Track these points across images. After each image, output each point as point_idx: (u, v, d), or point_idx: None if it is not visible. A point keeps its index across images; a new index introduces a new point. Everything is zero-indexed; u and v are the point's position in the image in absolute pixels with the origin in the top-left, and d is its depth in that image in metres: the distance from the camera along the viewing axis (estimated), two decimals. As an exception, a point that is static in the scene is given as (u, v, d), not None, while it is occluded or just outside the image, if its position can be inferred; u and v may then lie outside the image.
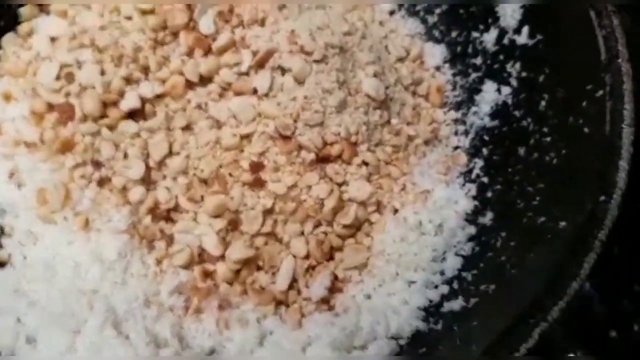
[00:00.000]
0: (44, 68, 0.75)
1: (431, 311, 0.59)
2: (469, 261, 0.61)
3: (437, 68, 0.73)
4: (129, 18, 0.74)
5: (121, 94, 0.72)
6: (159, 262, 0.69)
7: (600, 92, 0.52)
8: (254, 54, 0.74)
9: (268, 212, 0.71)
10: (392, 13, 0.78)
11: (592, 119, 0.53)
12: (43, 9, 0.84)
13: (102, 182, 0.69)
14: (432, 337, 0.56)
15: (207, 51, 0.75)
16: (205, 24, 0.75)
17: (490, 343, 0.45)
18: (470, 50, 0.76)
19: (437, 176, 0.65)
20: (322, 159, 0.64)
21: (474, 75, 0.73)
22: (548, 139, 0.64)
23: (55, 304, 0.53)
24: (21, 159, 0.67)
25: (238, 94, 0.74)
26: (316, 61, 0.72)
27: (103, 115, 0.72)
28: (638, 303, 0.68)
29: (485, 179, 0.66)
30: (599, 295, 0.65)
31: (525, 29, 0.65)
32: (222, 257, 0.70)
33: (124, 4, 0.74)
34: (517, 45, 0.78)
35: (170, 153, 0.72)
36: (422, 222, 0.61)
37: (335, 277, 0.60)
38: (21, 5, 0.85)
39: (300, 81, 0.72)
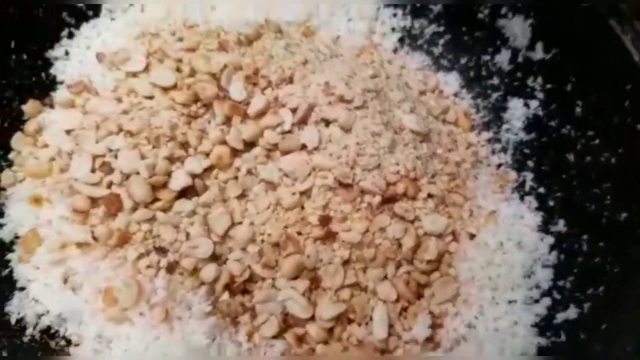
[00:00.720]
0: (76, 163, 0.85)
1: (544, 325, 0.65)
2: (560, 270, 0.70)
3: (456, 94, 0.84)
4: (150, 97, 0.86)
5: (168, 174, 0.82)
6: (249, 337, 0.78)
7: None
8: (294, 111, 0.85)
9: (346, 262, 0.81)
10: (395, 51, 0.88)
11: None
12: (45, 103, 0.95)
13: (171, 268, 0.81)
14: (560, 350, 0.63)
15: (244, 116, 0.86)
16: (237, 91, 0.87)
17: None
18: (484, 72, 0.89)
19: (496, 196, 0.73)
20: (388, 200, 0.86)
21: (495, 95, 0.87)
22: (596, 141, 0.86)
23: None
24: (74, 262, 0.65)
25: (286, 152, 0.85)
26: (357, 107, 0.86)
27: (154, 200, 0.81)
28: None
29: (541, 190, 0.78)
30: None
31: (539, 45, 0.76)
32: (311, 319, 0.78)
33: (138, 85, 0.86)
34: (534, 61, 0.96)
35: (233, 224, 0.81)
36: (502, 242, 0.68)
37: (431, 314, 0.65)
38: (22, 103, 0.92)
39: (347, 129, 0.86)
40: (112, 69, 0.90)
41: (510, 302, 0.79)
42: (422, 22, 1.04)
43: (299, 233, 0.80)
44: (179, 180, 0.80)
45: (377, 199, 0.81)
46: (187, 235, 0.78)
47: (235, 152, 0.84)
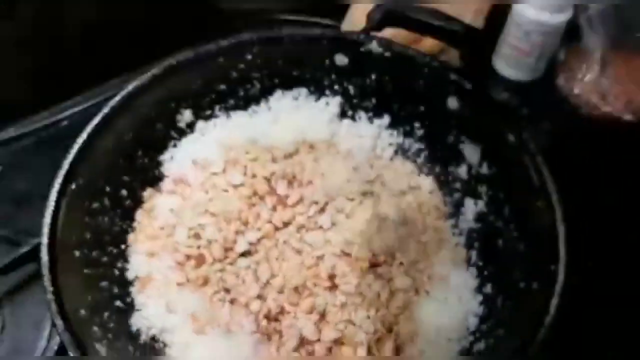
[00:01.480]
0: (178, 232, 1.18)
1: (464, 352, 1.14)
2: (483, 318, 1.15)
3: (430, 192, 1.27)
4: (226, 191, 1.36)
5: (235, 242, 1.16)
6: (277, 349, 1.10)
7: (540, 203, 1.05)
8: (315, 203, 1.18)
9: (343, 305, 1.13)
10: (391, 159, 1.33)
11: (540, 221, 1.05)
12: (156, 190, 1.29)
13: (233, 302, 1.13)
14: None
15: (285, 205, 1.20)
16: (282, 189, 1.22)
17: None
18: (450, 178, 1.33)
19: (449, 265, 1.17)
20: (374, 265, 1.16)
21: (456, 195, 1.32)
22: (515, 234, 1.18)
23: None
24: (173, 295, 1.13)
25: (309, 230, 1.18)
26: (358, 204, 1.19)
27: (225, 257, 1.15)
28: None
29: (480, 263, 1.21)
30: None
31: (485, 164, 1.21)
32: (318, 340, 1.11)
33: (219, 182, 1.35)
34: (482, 174, 1.26)
35: (272, 275, 1.14)
36: (447, 298, 1.12)
37: (396, 342, 1.09)
38: (143, 190, 1.26)
39: (349, 217, 1.18)
40: (202, 170, 1.40)
41: (449, 339, 1.22)
42: (410, 140, 1.51)
43: (314, 284, 1.26)
44: (241, 245, 1.28)
45: (366, 264, 1.27)
46: (243, 281, 1.25)
47: (277, 229, 1.31)
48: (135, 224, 1.37)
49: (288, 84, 1.49)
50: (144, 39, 1.65)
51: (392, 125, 1.51)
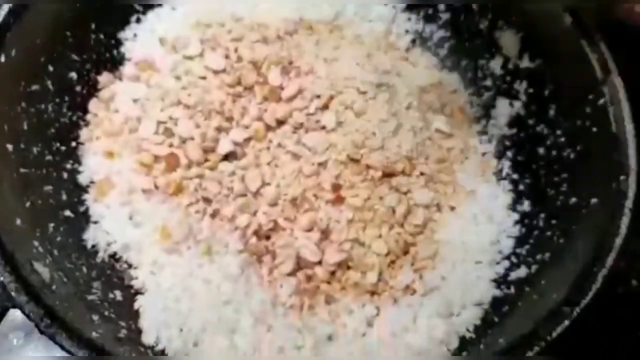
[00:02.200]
0: (144, 126, 0.93)
1: (500, 281, 0.91)
2: (520, 240, 0.98)
3: (454, 91, 1.05)
4: (204, 78, 1.10)
5: (216, 141, 1.04)
6: (270, 272, 1.02)
7: (602, 100, 0.82)
8: (318, 97, 1.09)
9: (350, 222, 1.06)
10: (407, 50, 1.09)
11: (597, 120, 0.84)
12: (116, 75, 1.03)
13: (214, 214, 0.93)
14: (508, 299, 0.87)
15: (278, 99, 0.97)
16: (274, 78, 0.98)
17: (566, 292, 0.73)
18: (480, 75, 1.11)
19: (477, 178, 0.96)
20: (388, 175, 0.93)
21: (487, 95, 1.11)
22: (562, 139, 1.00)
23: (208, 313, 0.79)
24: (138, 204, 0.90)
25: (309, 130, 1.09)
26: (371, 98, 1.11)
27: (205, 160, 1.05)
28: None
29: (515, 176, 1.03)
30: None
31: (526, 55, 0.98)
32: (319, 263, 1.03)
33: (194, 67, 1.09)
34: (521, 68, 1.04)
35: (263, 184, 1.06)
36: (476, 215, 0.91)
37: (413, 266, 0.88)
38: (97, 75, 1.15)
39: (359, 115, 0.93)
40: (172, 52, 1.13)
41: (477, 262, 1.02)
42: (432, 27, 1.26)
43: (315, 196, 1.03)
44: (224, 146, 1.03)
45: (379, 173, 1.04)
46: (229, 189, 1.01)
47: (269, 128, 1.06)
48: (88, 117, 1.11)
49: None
50: None
51: (411, 6, 1.25)
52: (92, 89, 1.13)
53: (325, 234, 1.03)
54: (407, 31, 1.27)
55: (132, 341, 0.89)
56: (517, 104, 1.16)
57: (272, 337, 0.90)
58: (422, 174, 1.07)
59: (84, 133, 1.09)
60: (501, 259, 1.04)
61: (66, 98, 1.07)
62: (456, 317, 0.98)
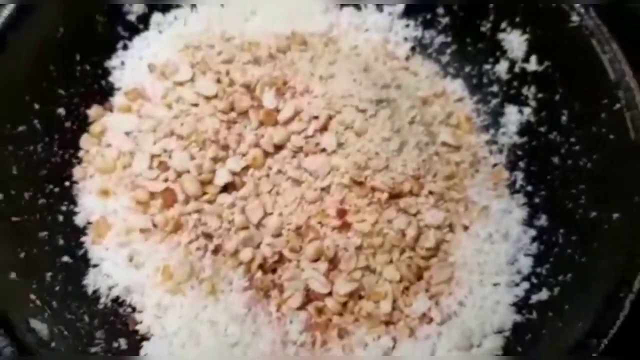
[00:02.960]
0: (137, 161, 0.89)
1: (521, 305, 0.87)
2: (539, 258, 1.07)
3: (460, 99, 1.01)
4: (195, 105, 1.05)
5: (213, 172, 1.03)
6: (278, 307, 0.99)
7: (617, 105, 0.77)
8: (316, 118, 1.04)
9: (359, 248, 1.01)
10: (407, 59, 1.05)
11: (614, 127, 0.79)
12: (106, 107, 0.99)
13: (216, 250, 0.98)
14: (531, 326, 0.82)
15: (274, 123, 1.06)
16: (269, 100, 0.97)
17: (592, 320, 0.69)
18: (485, 80, 1.07)
19: (489, 192, 0.92)
20: (394, 196, 1.03)
21: (494, 101, 1.07)
22: (577, 147, 0.94)
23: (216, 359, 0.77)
24: (137, 245, 0.88)
25: (309, 154, 1.04)
26: (371, 116, 1.04)
27: (202, 194, 1.02)
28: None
29: (529, 188, 0.99)
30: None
31: (533, 58, 0.94)
32: (329, 294, 0.99)
33: (185, 94, 1.04)
34: (528, 72, 1.00)
35: (265, 214, 1.02)
36: (492, 234, 0.87)
37: (428, 292, 0.85)
38: (87, 108, 1.12)
39: (360, 135, 0.88)
40: (162, 78, 1.09)
41: (494, 284, 0.98)
42: (432, 32, 1.21)
43: (320, 223, 0.99)
44: (222, 177, 1.00)
45: (385, 195, 1.00)
46: (230, 222, 0.97)
47: (267, 154, 1.02)
48: (81, 154, 1.08)
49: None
50: None
51: (408, 12, 1.21)
52: (83, 124, 1.09)
53: (334, 263, 0.99)
54: (405, 39, 1.23)
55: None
56: (527, 111, 1.11)
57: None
58: (431, 192, 1.03)
59: (77, 171, 1.06)
60: (520, 279, 1.00)
61: (56, 136, 1.04)
62: (477, 348, 0.94)
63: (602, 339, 0.78)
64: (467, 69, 1.19)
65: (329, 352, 0.94)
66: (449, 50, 1.21)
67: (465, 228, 1.04)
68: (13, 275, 0.86)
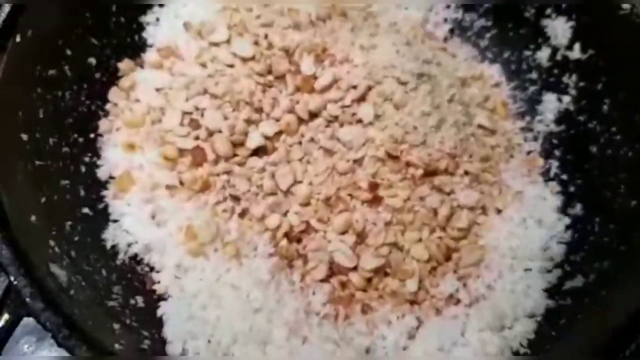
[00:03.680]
0: (167, 117, 0.84)
1: (554, 291, 0.83)
2: (573, 246, 0.98)
3: (497, 85, 0.97)
4: (231, 66, 1.00)
5: (245, 134, 0.99)
6: (302, 278, 0.94)
7: None
8: (354, 87, 1.00)
9: (388, 224, 0.97)
10: (445, 40, 1.00)
11: None
12: (137, 62, 0.94)
13: (243, 214, 0.89)
14: (565, 311, 0.78)
15: (311, 90, 1.01)
16: (307, 66, 0.89)
17: (636, 305, 0.65)
18: (524, 67, 1.03)
19: (523, 178, 0.87)
20: (429, 173, 0.85)
21: (532, 89, 1.04)
22: (618, 137, 1.00)
23: (238, 322, 0.71)
24: (162, 201, 0.82)
25: (344, 124, 1.00)
26: (412, 89, 1.00)
27: (233, 155, 0.97)
28: None
29: (564, 176, 0.93)
30: None
31: (577, 46, 0.90)
32: (354, 269, 0.94)
33: (221, 54, 1.00)
34: (571, 60, 1.09)
35: (295, 182, 0.98)
36: (525, 219, 0.82)
37: (456, 274, 0.80)
38: (118, 61, 1.07)
39: (399, 107, 0.84)
40: (197, 38, 1.04)
41: (526, 270, 0.94)
42: (472, 15, 1.17)
43: (350, 195, 0.95)
44: (254, 140, 0.96)
45: (420, 171, 0.95)
46: (259, 187, 0.93)
47: (301, 121, 0.98)
48: (108, 106, 1.03)
49: None
50: None
51: (450, -7, 1.19)
52: (112, 77, 1.05)
53: (361, 237, 0.95)
54: (445, 20, 1.19)
55: (156, 353, 0.82)
56: (566, 99, 1.07)
57: (308, 350, 0.83)
58: (466, 173, 0.99)
59: (103, 124, 1.01)
60: (553, 266, 0.96)
61: (85, 85, 0.99)
62: (508, 330, 0.90)
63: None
64: (506, 55, 1.15)
65: (352, 327, 0.90)
66: (488, 35, 1.17)
67: (499, 211, 0.99)
68: (34, 218, 0.82)
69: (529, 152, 1.09)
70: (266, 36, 1.02)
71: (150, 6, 1.10)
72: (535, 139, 1.10)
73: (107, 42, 1.03)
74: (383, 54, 1.02)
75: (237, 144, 0.96)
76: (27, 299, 0.69)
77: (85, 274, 0.85)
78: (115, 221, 0.95)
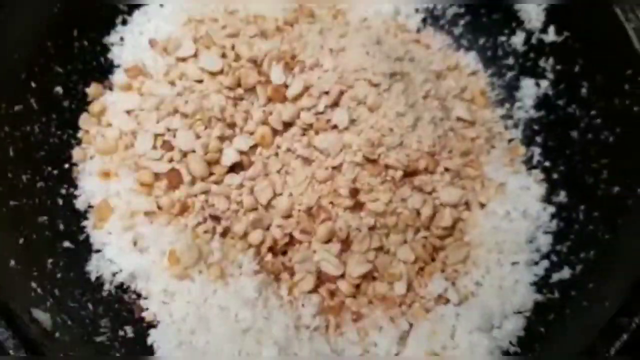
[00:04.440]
0: (139, 141, 0.83)
1: (541, 284, 0.81)
2: (558, 236, 0.98)
3: (474, 73, 0.94)
4: (200, 81, 0.99)
5: (219, 152, 0.97)
6: (289, 291, 0.93)
7: None
8: (326, 93, 0.98)
9: (372, 229, 0.95)
10: (418, 31, 0.98)
11: (638, 98, 0.74)
12: (105, 85, 0.91)
13: (225, 233, 0.96)
14: (553, 305, 0.77)
15: (283, 99, 0.99)
16: (277, 76, 1.03)
17: (622, 298, 0.64)
18: (500, 53, 1.15)
19: (506, 169, 0.86)
20: (409, 174, 1.00)
21: (509, 75, 1.01)
22: (598, 120, 0.98)
23: (227, 346, 0.70)
24: (142, 228, 0.82)
25: (320, 131, 0.98)
26: (384, 90, 0.98)
27: (209, 175, 0.95)
28: None
29: (547, 164, 0.91)
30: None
31: (552, 28, 0.88)
32: (341, 276, 0.94)
33: (189, 70, 0.99)
34: (546, 43, 1.07)
35: (275, 195, 0.96)
36: (509, 211, 0.81)
37: (444, 273, 0.80)
38: (85, 87, 1.05)
39: (373, 110, 0.82)
40: (164, 54, 1.02)
41: (513, 263, 0.93)
42: (444, 3, 1.14)
43: (331, 203, 0.94)
44: (229, 156, 0.94)
45: (400, 173, 0.94)
46: (238, 203, 0.92)
47: (275, 132, 0.96)
48: (80, 134, 1.01)
49: None
50: None
51: (419, -19, 1.17)
52: (81, 103, 1.03)
53: (346, 244, 0.94)
54: (417, 10, 1.16)
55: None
56: (544, 84, 1.05)
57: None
58: (446, 170, 0.98)
59: (76, 153, 0.99)
60: (540, 258, 0.95)
61: (54, 116, 0.97)
62: (497, 329, 0.89)
63: (633, 317, 0.72)
64: (481, 41, 1.13)
65: (343, 337, 0.90)
66: (462, 22, 1.14)
67: (482, 206, 0.98)
68: (12, 262, 0.81)
69: (510, 140, 1.07)
70: (233, 47, 1.00)
71: (113, 25, 1.08)
72: (515, 126, 1.08)
73: (73, 68, 1.01)
74: (353, 56, 0.99)
75: (212, 163, 0.94)
76: (11, 351, 0.69)
77: (71, 311, 0.84)
78: (97, 251, 0.94)
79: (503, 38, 1.10)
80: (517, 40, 1.08)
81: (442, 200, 0.96)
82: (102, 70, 1.05)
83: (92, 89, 1.03)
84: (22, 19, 0.93)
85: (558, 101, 1.03)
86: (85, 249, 0.94)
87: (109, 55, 1.06)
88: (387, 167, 0.96)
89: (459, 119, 1.04)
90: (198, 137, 0.95)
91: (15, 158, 0.90)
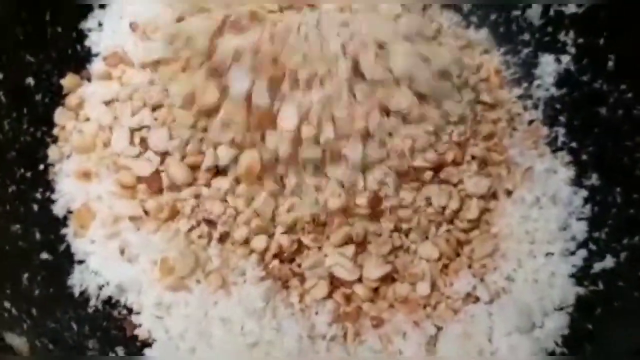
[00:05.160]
0: (115, 136, 0.85)
1: (581, 275, 0.84)
2: (594, 222, 0.87)
3: (486, 51, 0.83)
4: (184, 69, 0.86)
5: (199, 154, 0.83)
6: (300, 298, 0.82)
7: None
8: None
9: (392, 231, 0.84)
10: (424, 9, 0.88)
11: None
12: (83, 76, 0.95)
13: (223, 238, 0.83)
14: (599, 297, 0.80)
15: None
16: None
17: None
18: (515, 28, 1.01)
19: (530, 152, 0.75)
20: (437, 169, 0.85)
21: (525, 51, 1.01)
22: (629, 95, 0.87)
23: None
24: (128, 235, 0.83)
25: None
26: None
27: (194, 179, 0.83)
28: None
29: (574, 144, 0.94)
30: None
31: None
32: (357, 281, 0.82)
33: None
34: (566, 15, 0.95)
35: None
36: (538, 198, 0.83)
37: (471, 269, 0.68)
38: (62, 77, 0.92)
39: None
40: (145, 39, 0.91)
41: (547, 254, 0.84)
42: (449, -21, 1.04)
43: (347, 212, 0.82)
44: (209, 158, 0.80)
45: (429, 174, 0.83)
46: (235, 208, 0.81)
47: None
48: (55, 131, 0.90)
49: None
50: None
51: (422, -44, 1.06)
52: (56, 96, 0.91)
53: (362, 246, 0.83)
54: (422, -12, 1.06)
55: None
56: (565, 59, 0.95)
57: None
58: (473, 157, 0.86)
59: (52, 151, 0.87)
60: (576, 247, 0.85)
61: (25, 110, 0.86)
62: (539, 329, 0.79)
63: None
64: (492, 17, 1.02)
65: (364, 345, 0.79)
66: (469, -3, 1.05)
67: (509, 193, 0.88)
68: (-18, 279, 0.70)
69: (530, 122, 0.98)
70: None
71: (90, 9, 0.96)
72: (535, 106, 0.97)
73: (45, 57, 0.89)
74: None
75: (193, 167, 0.81)
76: (-21, 385, 0.58)
77: (52, 333, 0.72)
78: (80, 262, 0.82)
79: (517, 12, 1.00)
80: (533, 13, 0.98)
81: (469, 191, 0.85)
82: (79, 59, 0.93)
83: (68, 80, 0.90)
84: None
85: (582, 77, 0.92)
86: (66, 260, 0.82)
87: (86, 42, 0.94)
88: (415, 169, 0.83)
89: (479, 101, 0.94)
90: (172, 137, 0.81)
91: (-17, 161, 0.79)
